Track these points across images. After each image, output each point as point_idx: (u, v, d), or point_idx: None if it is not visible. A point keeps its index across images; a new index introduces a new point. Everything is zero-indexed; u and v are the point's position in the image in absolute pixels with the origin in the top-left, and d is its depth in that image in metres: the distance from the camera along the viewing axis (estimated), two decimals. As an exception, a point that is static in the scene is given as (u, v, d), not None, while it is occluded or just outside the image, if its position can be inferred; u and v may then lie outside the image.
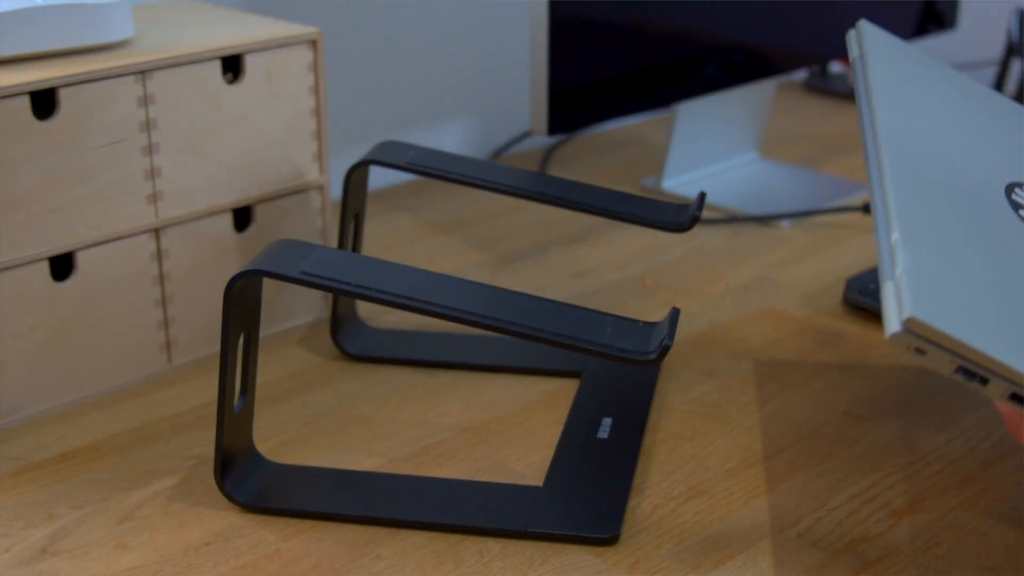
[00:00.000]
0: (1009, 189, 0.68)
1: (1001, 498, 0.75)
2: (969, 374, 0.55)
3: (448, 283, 0.70)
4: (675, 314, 0.68)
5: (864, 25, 0.81)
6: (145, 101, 0.82)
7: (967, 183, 0.66)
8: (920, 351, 0.54)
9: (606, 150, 1.40)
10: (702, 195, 0.86)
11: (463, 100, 1.39)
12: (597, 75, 1.10)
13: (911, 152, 0.66)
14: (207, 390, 0.86)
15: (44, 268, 0.80)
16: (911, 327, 0.54)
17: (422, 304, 0.67)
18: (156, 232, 0.85)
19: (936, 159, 0.67)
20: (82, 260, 0.82)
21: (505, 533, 0.70)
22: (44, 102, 0.78)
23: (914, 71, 0.77)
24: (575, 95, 1.09)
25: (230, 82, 0.86)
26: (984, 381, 0.55)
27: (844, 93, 1.60)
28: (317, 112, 0.92)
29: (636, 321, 0.69)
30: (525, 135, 1.39)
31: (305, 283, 0.67)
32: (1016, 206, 0.66)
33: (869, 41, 0.78)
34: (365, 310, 0.96)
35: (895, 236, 0.58)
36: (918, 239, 0.59)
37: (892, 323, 0.54)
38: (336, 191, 1.03)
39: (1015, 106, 0.81)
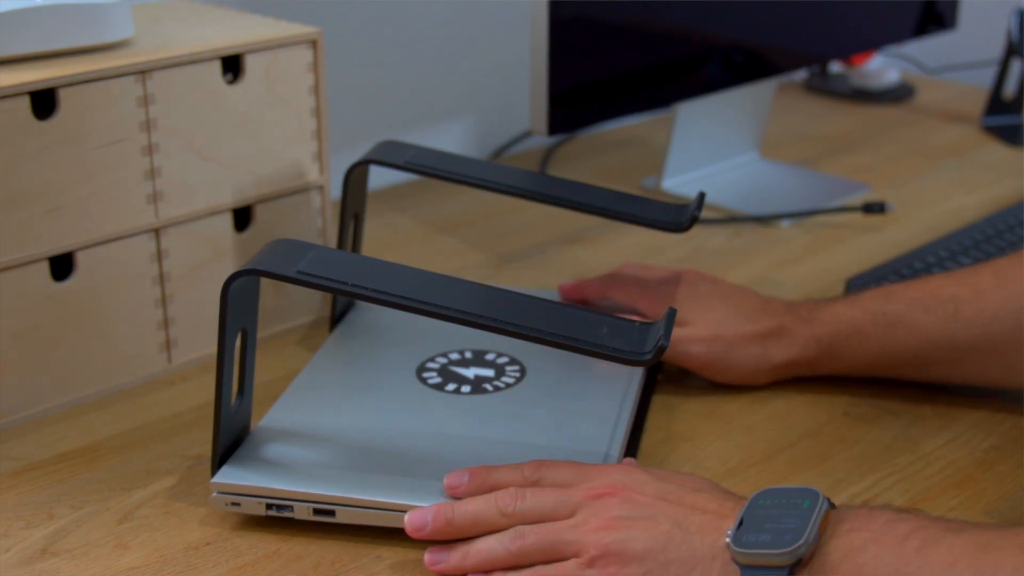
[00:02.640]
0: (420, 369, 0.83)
1: (1001, 498, 0.75)
2: (278, 508, 0.70)
3: (445, 283, 0.70)
4: (671, 314, 0.68)
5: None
6: (145, 101, 0.82)
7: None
8: (234, 504, 0.70)
9: (606, 150, 1.40)
10: (701, 195, 0.86)
11: (463, 100, 1.39)
12: (597, 75, 1.10)
13: None
14: (207, 390, 0.86)
15: (44, 268, 0.80)
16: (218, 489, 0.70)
17: (419, 304, 0.67)
18: (156, 232, 0.85)
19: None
20: (82, 260, 0.82)
21: None
22: (44, 102, 0.78)
23: None
24: (575, 95, 1.09)
25: (230, 82, 0.86)
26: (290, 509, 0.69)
27: (844, 93, 1.60)
28: (317, 112, 0.92)
29: (632, 321, 0.70)
30: (525, 135, 1.39)
31: (302, 283, 0.67)
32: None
33: None
34: (365, 310, 0.96)
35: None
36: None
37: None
38: (336, 191, 1.03)
39: None
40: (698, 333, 0.85)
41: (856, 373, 0.86)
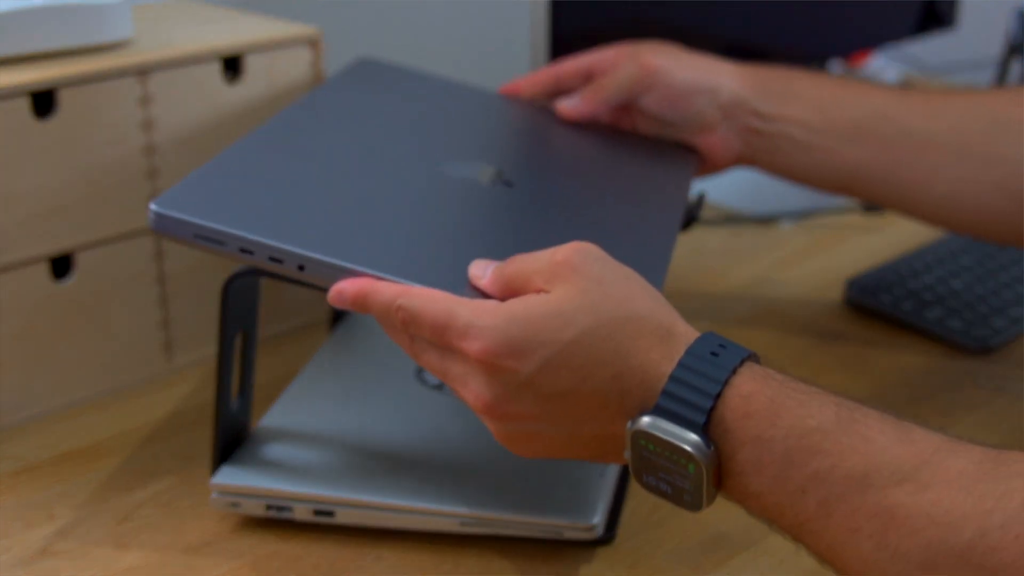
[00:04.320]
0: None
1: (1001, 498, 0.74)
2: (278, 508, 0.69)
3: None
4: None
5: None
6: (145, 101, 0.82)
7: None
8: (234, 504, 0.69)
9: (606, 150, 1.40)
10: (701, 196, 0.86)
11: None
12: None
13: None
14: (207, 390, 0.86)
15: (44, 268, 0.80)
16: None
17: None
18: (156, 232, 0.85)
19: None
20: (82, 260, 0.82)
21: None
22: (44, 102, 0.78)
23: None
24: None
25: (230, 82, 0.86)
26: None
27: (844, 93, 1.60)
28: (317, 112, 0.92)
29: None
30: (525, 135, 1.39)
31: (305, 283, 0.67)
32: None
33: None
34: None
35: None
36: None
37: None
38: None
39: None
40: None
41: (806, 170, 0.87)
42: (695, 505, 0.56)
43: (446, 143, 0.80)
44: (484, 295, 0.60)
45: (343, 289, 0.60)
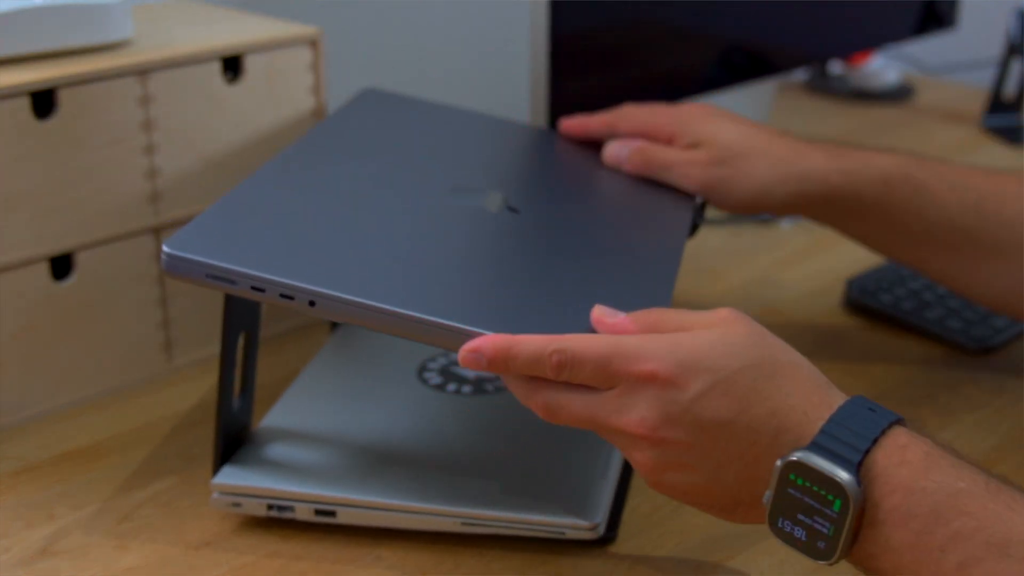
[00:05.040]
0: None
1: (1001, 498, 0.74)
2: (280, 508, 0.69)
3: None
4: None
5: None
6: (145, 101, 0.82)
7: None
8: (235, 504, 0.69)
9: (606, 150, 1.40)
10: (703, 202, 0.85)
11: (463, 101, 1.39)
12: (597, 76, 1.10)
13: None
14: (207, 390, 0.86)
15: (44, 268, 0.80)
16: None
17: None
18: (156, 232, 0.85)
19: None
20: (82, 260, 0.81)
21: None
22: (44, 102, 0.78)
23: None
24: (575, 96, 1.09)
25: (230, 82, 0.86)
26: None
27: (844, 93, 1.60)
28: (317, 112, 0.92)
29: None
30: (525, 135, 1.39)
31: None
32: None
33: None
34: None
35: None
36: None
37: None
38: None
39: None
40: (701, 155, 0.83)
41: (867, 237, 0.84)
42: (827, 553, 0.56)
43: (452, 172, 0.80)
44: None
45: (480, 348, 0.60)
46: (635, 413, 0.58)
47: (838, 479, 0.54)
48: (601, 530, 0.68)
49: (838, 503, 0.54)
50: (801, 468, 0.55)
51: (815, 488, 0.55)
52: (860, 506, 0.54)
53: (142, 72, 0.81)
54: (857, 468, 0.55)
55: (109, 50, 0.82)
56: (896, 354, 0.93)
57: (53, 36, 0.80)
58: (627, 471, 0.75)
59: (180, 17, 0.93)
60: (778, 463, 0.56)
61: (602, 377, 0.59)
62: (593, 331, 0.62)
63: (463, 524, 0.68)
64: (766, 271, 1.08)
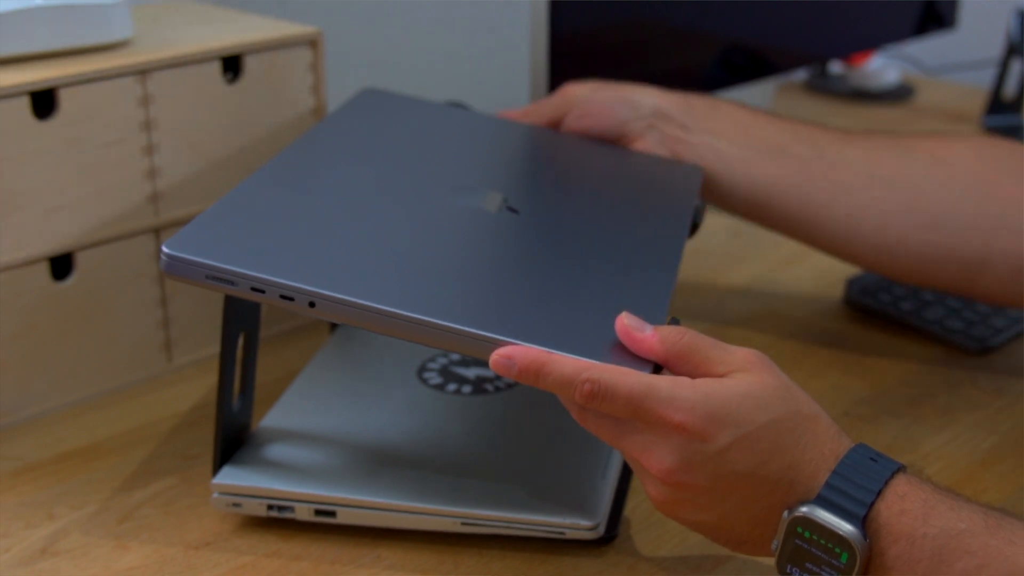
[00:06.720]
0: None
1: (1001, 498, 0.75)
2: (280, 508, 0.69)
3: None
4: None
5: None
6: (145, 101, 0.82)
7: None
8: (235, 505, 0.69)
9: (606, 150, 1.40)
10: (703, 203, 0.85)
11: (463, 101, 1.39)
12: (597, 76, 1.10)
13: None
14: (207, 390, 0.86)
15: (44, 268, 0.80)
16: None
17: None
18: (156, 232, 0.85)
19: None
20: (82, 260, 0.82)
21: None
22: (44, 102, 0.78)
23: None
24: (575, 95, 1.08)
25: (230, 82, 0.86)
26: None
27: (844, 93, 1.60)
28: (317, 112, 0.92)
29: None
30: (525, 135, 1.39)
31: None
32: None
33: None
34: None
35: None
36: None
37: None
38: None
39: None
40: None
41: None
42: None
43: (451, 172, 0.80)
44: (623, 349, 0.61)
45: (513, 356, 0.60)
46: (657, 455, 0.59)
47: (844, 534, 0.56)
48: (601, 530, 0.68)
49: (845, 556, 0.57)
50: (808, 522, 0.57)
51: (822, 541, 0.57)
52: (867, 557, 0.56)
53: (142, 72, 0.81)
54: (863, 521, 0.57)
55: (109, 50, 0.82)
56: (896, 354, 0.93)
57: (53, 36, 0.80)
58: (627, 471, 0.75)
59: (180, 17, 0.93)
60: (785, 515, 0.58)
61: (630, 413, 0.59)
62: (614, 337, 0.62)
63: (463, 524, 0.68)
64: (766, 271, 1.08)
